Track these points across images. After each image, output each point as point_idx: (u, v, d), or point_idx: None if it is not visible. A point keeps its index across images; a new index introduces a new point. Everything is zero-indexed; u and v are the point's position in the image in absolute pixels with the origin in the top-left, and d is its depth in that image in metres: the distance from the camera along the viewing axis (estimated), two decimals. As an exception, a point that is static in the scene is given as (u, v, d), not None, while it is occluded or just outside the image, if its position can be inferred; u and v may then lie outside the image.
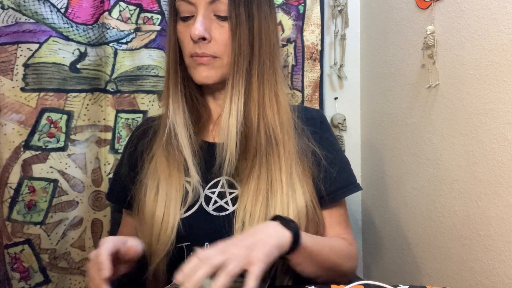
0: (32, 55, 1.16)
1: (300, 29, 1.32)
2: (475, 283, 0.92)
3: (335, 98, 1.37)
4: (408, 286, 0.72)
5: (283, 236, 0.69)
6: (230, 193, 0.83)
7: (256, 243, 0.65)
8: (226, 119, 0.81)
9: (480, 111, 0.90)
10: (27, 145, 1.16)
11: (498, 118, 0.86)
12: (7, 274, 1.16)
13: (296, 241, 0.70)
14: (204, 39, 0.80)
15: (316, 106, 1.34)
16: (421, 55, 1.07)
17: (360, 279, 0.94)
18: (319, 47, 1.33)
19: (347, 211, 0.94)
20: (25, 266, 1.18)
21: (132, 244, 0.71)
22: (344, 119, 1.36)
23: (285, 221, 0.71)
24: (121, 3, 1.21)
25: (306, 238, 0.73)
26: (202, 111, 0.89)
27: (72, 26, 1.19)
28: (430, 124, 1.05)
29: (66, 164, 1.20)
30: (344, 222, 0.92)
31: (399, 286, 0.71)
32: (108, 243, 0.68)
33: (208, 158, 0.85)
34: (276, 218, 0.73)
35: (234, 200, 0.82)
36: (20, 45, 1.15)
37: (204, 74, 0.82)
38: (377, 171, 1.30)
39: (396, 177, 1.20)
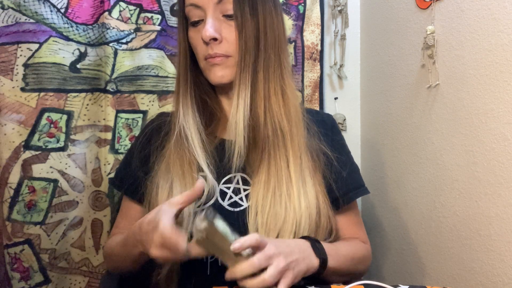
0: (32, 55, 1.16)
1: (300, 29, 1.32)
2: (475, 283, 0.92)
3: (335, 98, 1.37)
4: (408, 286, 0.72)
5: (311, 263, 0.73)
6: (245, 190, 0.85)
7: (293, 261, 0.69)
8: (234, 114, 0.82)
9: (480, 111, 0.90)
10: (27, 145, 1.16)
11: (498, 118, 0.86)
12: (7, 274, 1.16)
13: (322, 267, 0.75)
14: (215, 39, 0.82)
15: (316, 106, 1.34)
16: (421, 55, 1.07)
17: (360, 279, 0.94)
18: (319, 47, 1.33)
19: (359, 211, 0.97)
20: (25, 266, 1.17)
21: (194, 190, 0.71)
22: (344, 119, 1.36)
23: (316, 248, 0.75)
24: (121, 3, 1.21)
25: (332, 259, 0.77)
26: (216, 111, 0.91)
27: (72, 26, 1.19)
28: (430, 124, 1.05)
29: (66, 164, 1.19)
30: (358, 223, 0.95)
31: (399, 286, 0.71)
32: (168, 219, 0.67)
33: (222, 154, 0.86)
34: (307, 238, 0.77)
35: (248, 196, 0.84)
36: (20, 45, 1.15)
37: (219, 74, 0.84)
38: (377, 171, 1.30)
39: (396, 177, 1.20)
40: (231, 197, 0.84)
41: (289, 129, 0.84)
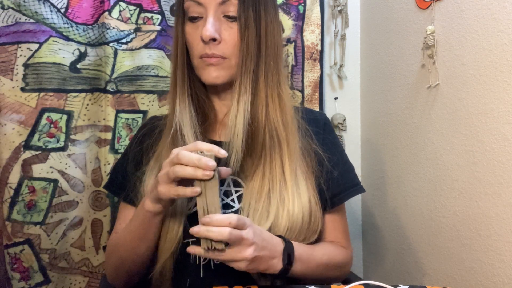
0: (32, 55, 1.16)
1: (300, 29, 1.32)
2: (475, 283, 0.92)
3: (335, 98, 1.37)
4: (408, 286, 0.72)
5: (272, 266, 0.73)
6: (236, 191, 0.84)
7: (259, 257, 0.69)
8: (233, 118, 0.82)
9: (480, 111, 0.90)
10: (27, 145, 1.16)
11: (498, 118, 0.86)
12: (7, 274, 1.16)
13: (283, 273, 0.75)
14: (214, 40, 0.81)
15: (316, 106, 1.34)
16: (421, 55, 1.07)
17: (360, 279, 0.94)
18: (319, 47, 1.33)
19: (346, 216, 0.95)
20: (25, 266, 1.17)
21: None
22: (344, 119, 1.36)
23: (286, 252, 0.74)
24: (121, 3, 1.21)
25: (301, 264, 0.77)
26: (208, 111, 0.90)
27: (72, 26, 1.19)
28: (430, 124, 1.05)
29: (66, 164, 1.19)
30: (342, 227, 0.93)
31: (399, 286, 0.71)
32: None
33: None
34: (284, 240, 0.76)
35: (240, 198, 0.83)
36: (20, 45, 1.15)
37: (214, 75, 0.83)
38: (377, 171, 1.30)
39: (396, 177, 1.20)
40: (222, 200, 0.83)
41: (286, 135, 0.84)
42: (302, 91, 1.33)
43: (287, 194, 0.81)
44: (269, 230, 0.78)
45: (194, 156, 0.67)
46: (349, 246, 0.93)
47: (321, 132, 0.92)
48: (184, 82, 0.86)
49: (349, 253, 0.92)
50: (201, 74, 0.85)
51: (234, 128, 0.81)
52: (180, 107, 0.85)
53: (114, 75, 1.20)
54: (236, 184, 0.85)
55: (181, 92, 0.86)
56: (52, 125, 1.18)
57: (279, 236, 0.77)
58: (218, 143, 0.86)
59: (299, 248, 0.78)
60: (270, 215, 0.79)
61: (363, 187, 0.94)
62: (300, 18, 1.32)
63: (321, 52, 1.34)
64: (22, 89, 1.16)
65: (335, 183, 0.89)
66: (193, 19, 0.84)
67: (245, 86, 0.82)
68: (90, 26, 1.20)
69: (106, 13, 1.19)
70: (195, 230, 0.66)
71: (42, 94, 1.17)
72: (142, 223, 0.79)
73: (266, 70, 0.83)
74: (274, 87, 0.84)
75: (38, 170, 1.17)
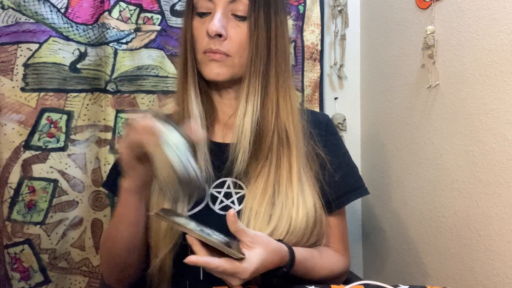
0: (32, 55, 1.16)
1: (300, 29, 1.32)
2: (475, 283, 0.92)
3: (335, 98, 1.37)
4: (408, 286, 0.72)
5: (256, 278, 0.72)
6: (237, 193, 0.84)
7: (246, 278, 0.67)
8: (241, 118, 0.81)
9: (480, 111, 0.90)
10: (27, 145, 1.16)
11: (498, 118, 0.86)
12: (7, 274, 1.16)
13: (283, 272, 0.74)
14: (220, 36, 0.81)
15: (316, 106, 1.34)
16: (421, 55, 1.07)
17: (360, 279, 0.94)
18: (319, 47, 1.33)
19: (346, 221, 0.94)
20: (25, 266, 1.17)
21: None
22: (344, 119, 1.36)
23: (281, 275, 0.73)
24: (121, 3, 1.21)
25: (295, 273, 0.76)
26: (210, 109, 0.90)
27: (72, 26, 1.19)
28: (430, 124, 1.05)
29: (66, 164, 1.19)
30: (340, 233, 0.92)
31: (399, 286, 0.71)
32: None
33: (214, 157, 0.85)
34: (290, 256, 0.74)
35: (241, 200, 0.83)
36: (20, 45, 1.15)
37: (216, 71, 0.83)
38: (377, 171, 1.30)
39: (396, 177, 1.20)
40: (222, 201, 0.83)
41: (295, 138, 0.84)
42: (302, 91, 1.33)
43: (293, 198, 0.80)
44: (271, 234, 0.77)
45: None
46: (347, 253, 0.92)
47: (324, 134, 0.91)
48: (194, 78, 0.85)
49: (347, 263, 0.91)
50: (204, 69, 0.84)
51: (242, 128, 0.81)
52: (190, 100, 0.84)
53: (114, 75, 1.20)
54: (237, 187, 0.84)
55: (192, 87, 0.85)
56: (52, 125, 1.18)
57: (288, 247, 0.75)
58: (222, 145, 0.86)
59: (300, 263, 0.76)
60: (272, 218, 0.79)
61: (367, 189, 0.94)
62: (300, 18, 1.32)
63: (321, 52, 1.34)
64: (22, 89, 1.16)
65: (337, 186, 0.88)
66: (202, 15, 0.84)
67: (254, 86, 0.82)
68: (90, 26, 1.20)
69: (106, 13, 1.19)
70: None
71: (42, 94, 1.17)
72: (121, 205, 0.78)
73: (277, 71, 0.83)
74: (286, 89, 0.84)
75: (38, 170, 1.17)
